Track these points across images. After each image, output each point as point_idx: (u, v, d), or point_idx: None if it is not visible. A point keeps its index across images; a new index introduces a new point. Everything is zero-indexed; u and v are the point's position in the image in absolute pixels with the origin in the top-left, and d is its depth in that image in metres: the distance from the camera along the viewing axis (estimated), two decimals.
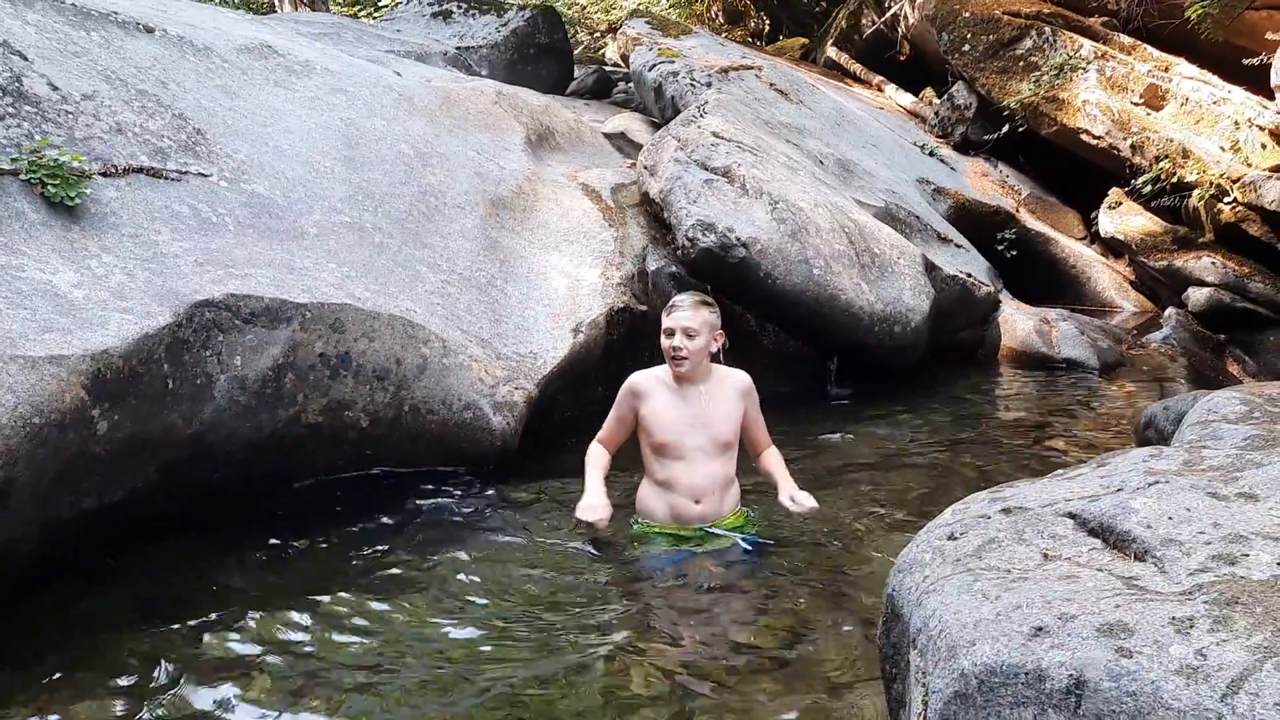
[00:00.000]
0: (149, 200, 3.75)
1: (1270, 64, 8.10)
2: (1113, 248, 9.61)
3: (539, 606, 2.94)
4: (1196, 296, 8.18)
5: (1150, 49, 9.67)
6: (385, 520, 3.64)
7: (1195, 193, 8.52)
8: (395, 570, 3.22)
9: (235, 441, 3.54)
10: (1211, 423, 2.37)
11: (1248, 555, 1.55)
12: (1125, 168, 9.21)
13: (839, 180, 7.32)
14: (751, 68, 9.56)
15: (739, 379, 3.42)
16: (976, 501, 1.97)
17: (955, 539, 1.80)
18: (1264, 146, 8.34)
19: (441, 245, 4.83)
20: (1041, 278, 9.34)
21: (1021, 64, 10.12)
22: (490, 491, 3.99)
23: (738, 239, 5.37)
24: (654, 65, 9.45)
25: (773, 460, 3.49)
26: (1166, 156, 8.77)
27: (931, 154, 10.20)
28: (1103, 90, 9.37)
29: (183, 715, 2.31)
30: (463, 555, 3.37)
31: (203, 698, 2.38)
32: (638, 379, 3.41)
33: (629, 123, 9.57)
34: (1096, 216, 9.54)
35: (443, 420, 4.05)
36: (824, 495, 3.97)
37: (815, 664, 2.55)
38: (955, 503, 2.00)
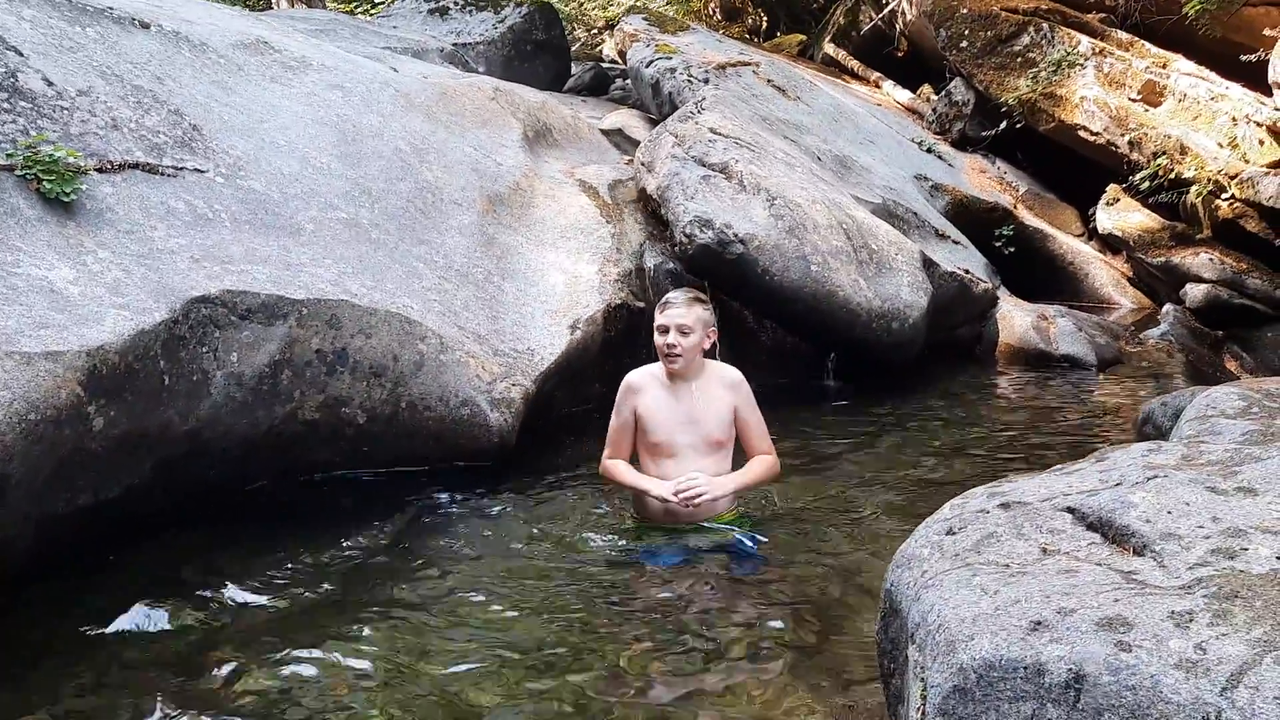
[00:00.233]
0: (145, 196, 3.74)
1: (1268, 60, 8.10)
2: (1110, 244, 9.62)
3: (536, 602, 2.94)
4: (1194, 293, 8.18)
5: (1148, 45, 9.67)
6: (383, 517, 3.64)
7: (1193, 189, 8.52)
8: (393, 566, 3.21)
9: (232, 438, 3.54)
10: (1210, 418, 2.36)
11: (1247, 549, 1.54)
12: (1123, 164, 9.21)
13: (837, 177, 7.32)
14: (749, 64, 9.55)
15: (730, 376, 3.39)
16: (975, 496, 1.96)
17: (954, 534, 1.80)
18: (1261, 143, 8.34)
19: (439, 241, 4.82)
20: (1039, 274, 9.34)
21: (1019, 60, 10.12)
22: (487, 487, 3.98)
23: (735, 235, 5.37)
24: (651, 61, 9.44)
25: (752, 461, 3.36)
26: (1164, 153, 8.77)
27: (929, 150, 10.19)
28: (1100, 86, 9.37)
29: (180, 712, 2.31)
30: (460, 552, 3.36)
31: (200, 694, 2.38)
32: (633, 377, 3.41)
33: (626, 119, 9.56)
34: (1094, 213, 9.55)
35: (440, 417, 4.04)
36: (821, 491, 3.98)
37: (812, 659, 2.55)
38: (953, 498, 2.00)
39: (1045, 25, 10.12)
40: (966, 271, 6.66)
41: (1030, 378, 6.54)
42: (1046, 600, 1.47)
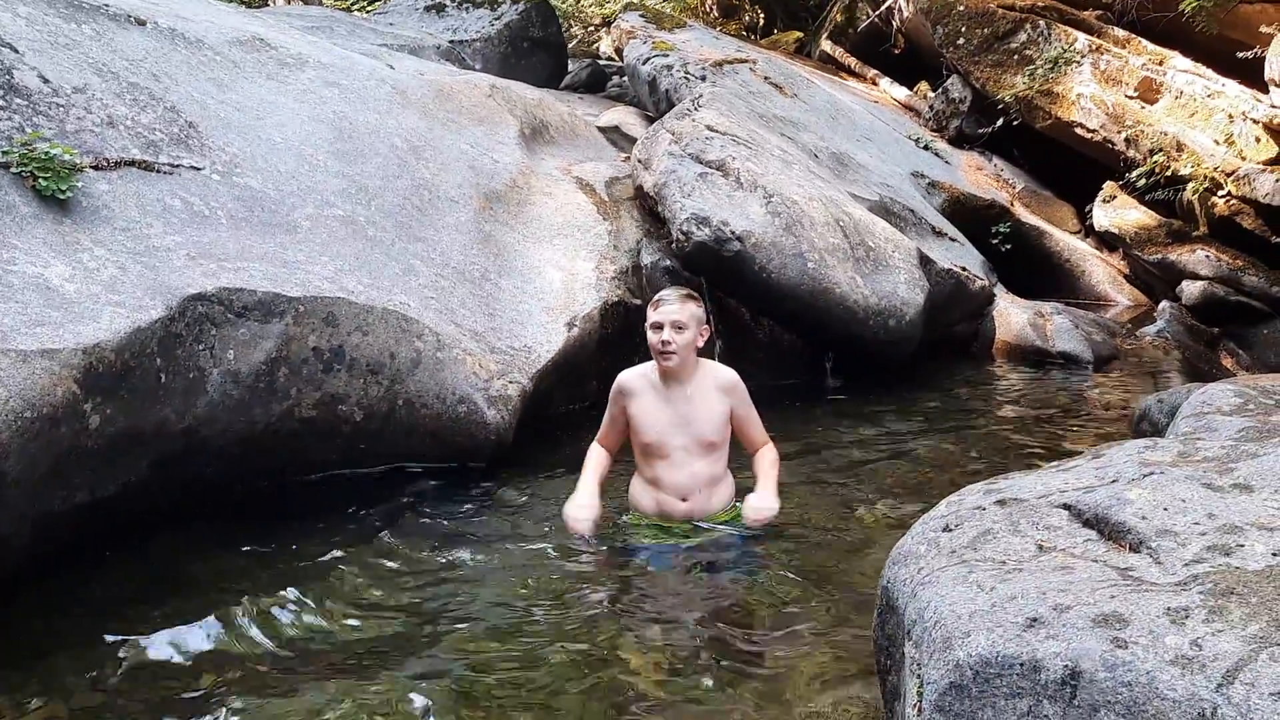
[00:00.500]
0: (141, 193, 3.73)
1: (1264, 57, 8.10)
2: (1107, 241, 9.62)
3: (533, 600, 2.94)
4: (1190, 290, 8.18)
5: (1145, 42, 9.66)
6: (379, 514, 3.64)
7: (1189, 186, 8.53)
8: (389, 564, 3.21)
9: (228, 436, 3.53)
10: (1206, 415, 2.37)
11: (1242, 546, 1.55)
12: (1120, 161, 9.22)
13: (833, 174, 7.32)
14: (746, 61, 9.54)
15: (724, 376, 3.37)
16: (971, 493, 1.97)
17: (950, 531, 1.80)
18: (1258, 140, 8.34)
19: (435, 239, 4.82)
20: (1036, 271, 9.34)
21: (1016, 57, 10.12)
22: (485, 485, 3.98)
23: (732, 232, 5.37)
24: (648, 59, 9.42)
25: (763, 461, 3.41)
26: (1161, 150, 8.78)
27: (926, 147, 10.18)
28: (1097, 84, 9.37)
29: (177, 710, 2.30)
30: (457, 549, 3.36)
31: (197, 692, 2.38)
32: (625, 378, 3.39)
33: (623, 116, 9.55)
34: (1091, 210, 9.55)
35: (437, 414, 4.04)
36: (818, 488, 3.98)
37: (809, 656, 2.55)
38: (950, 495, 2.00)
39: (1042, 22, 10.12)
40: (963, 269, 6.66)
41: (1027, 375, 6.54)
42: (1043, 597, 1.47)
